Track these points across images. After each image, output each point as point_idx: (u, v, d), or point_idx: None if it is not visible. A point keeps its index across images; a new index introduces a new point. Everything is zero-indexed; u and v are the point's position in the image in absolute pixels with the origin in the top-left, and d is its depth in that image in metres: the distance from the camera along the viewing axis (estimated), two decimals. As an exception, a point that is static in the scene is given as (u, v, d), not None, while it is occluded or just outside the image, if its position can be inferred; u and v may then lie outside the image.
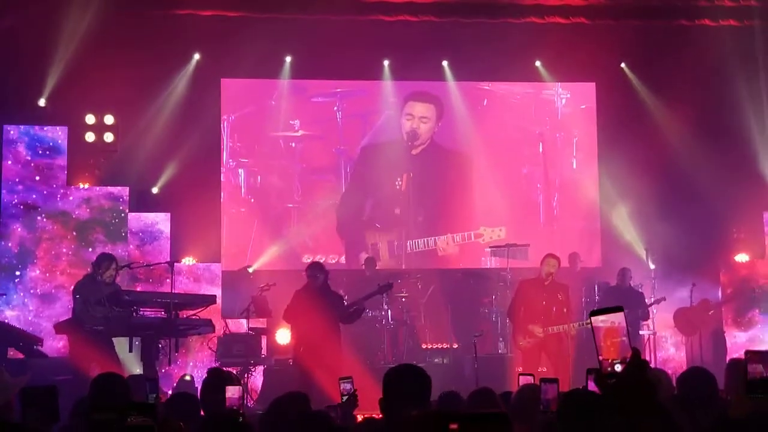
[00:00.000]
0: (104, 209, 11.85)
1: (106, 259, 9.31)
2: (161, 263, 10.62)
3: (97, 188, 12.01)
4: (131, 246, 11.89)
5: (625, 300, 11.19)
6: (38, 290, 11.52)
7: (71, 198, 11.82)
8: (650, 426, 2.56)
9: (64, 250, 11.68)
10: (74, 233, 11.71)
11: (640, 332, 11.85)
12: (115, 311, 8.68)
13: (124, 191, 12.01)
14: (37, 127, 11.72)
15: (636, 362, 2.65)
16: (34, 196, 11.67)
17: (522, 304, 9.96)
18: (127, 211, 11.95)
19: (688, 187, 12.94)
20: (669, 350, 12.85)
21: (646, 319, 11.74)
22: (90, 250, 11.57)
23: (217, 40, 12.75)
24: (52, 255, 11.62)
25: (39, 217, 11.63)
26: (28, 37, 11.33)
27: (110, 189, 12.00)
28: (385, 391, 3.84)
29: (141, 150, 12.51)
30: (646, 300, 11.73)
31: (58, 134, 11.82)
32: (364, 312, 10.10)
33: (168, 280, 11.22)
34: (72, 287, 9.61)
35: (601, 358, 2.76)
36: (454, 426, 2.17)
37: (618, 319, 2.77)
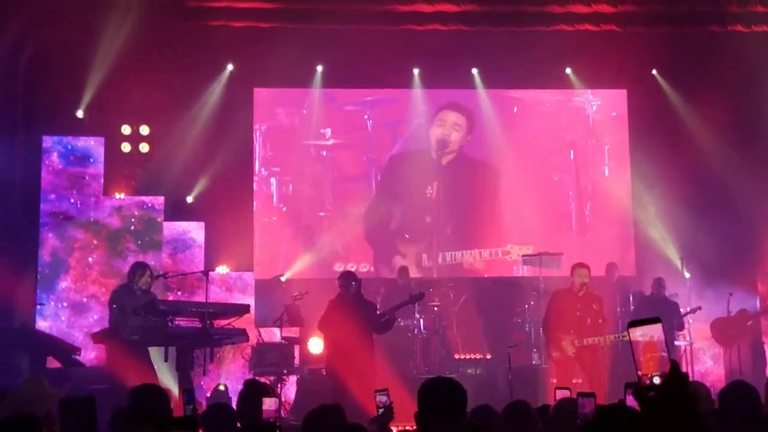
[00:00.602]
0: (136, 218, 11.91)
1: (139, 268, 9.39)
2: (195, 272, 10.68)
3: (130, 198, 12.08)
4: (164, 255, 11.94)
5: (660, 310, 11.10)
6: (70, 300, 11.56)
7: (103, 207, 11.88)
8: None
9: (96, 259, 11.73)
10: (105, 242, 11.76)
11: (676, 343, 11.75)
12: (150, 321, 8.74)
13: (156, 200, 12.08)
14: (73, 138, 11.84)
15: (675, 375, 2.64)
16: (67, 206, 11.74)
17: (556, 315, 9.86)
18: (158, 220, 11.99)
19: (724, 195, 12.83)
20: (707, 363, 12.63)
21: (681, 330, 11.63)
22: (122, 259, 11.64)
23: (250, 50, 12.85)
24: (84, 265, 11.68)
25: (71, 227, 11.69)
26: (67, 49, 11.50)
27: (143, 198, 12.08)
28: (420, 405, 3.83)
29: (176, 159, 12.62)
30: (681, 310, 11.64)
31: (94, 145, 11.90)
32: (395, 322, 10.09)
33: (200, 289, 11.38)
34: (108, 297, 9.70)
35: (640, 373, 2.75)
36: None
37: (656, 332, 2.75)
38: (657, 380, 2.66)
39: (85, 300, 11.59)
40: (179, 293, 11.59)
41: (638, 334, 2.74)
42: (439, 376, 3.91)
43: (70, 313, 11.52)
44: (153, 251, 11.80)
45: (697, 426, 2.60)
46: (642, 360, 2.74)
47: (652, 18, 12.60)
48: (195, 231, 12.30)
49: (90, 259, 11.73)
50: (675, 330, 11.38)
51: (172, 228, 12.20)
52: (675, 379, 2.61)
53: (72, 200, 11.79)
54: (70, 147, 11.82)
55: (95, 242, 11.76)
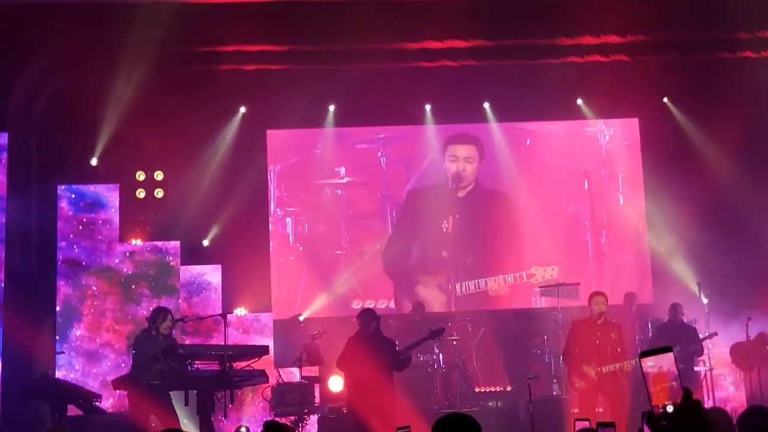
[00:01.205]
0: (149, 263, 11.87)
1: (161, 313, 9.42)
2: (214, 315, 10.69)
3: (143, 243, 12.11)
4: (179, 299, 11.87)
5: (678, 336, 11.08)
6: (84, 348, 11.48)
7: (115, 253, 11.85)
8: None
9: (109, 306, 11.66)
10: (118, 288, 11.70)
11: (696, 368, 11.67)
12: (170, 365, 8.75)
13: (170, 245, 12.05)
14: (89, 186, 11.94)
15: (687, 403, 2.63)
16: (78, 253, 11.71)
17: (576, 345, 9.84)
18: (172, 264, 11.95)
19: (739, 219, 12.78)
20: (728, 389, 12.50)
21: (700, 355, 11.56)
22: (136, 305, 11.63)
23: (262, 92, 12.99)
24: (97, 312, 11.62)
25: (83, 274, 11.67)
26: (79, 98, 11.63)
27: (156, 243, 12.07)
28: (435, 441, 3.83)
29: (191, 204, 12.73)
30: (700, 335, 11.57)
31: (105, 191, 11.96)
32: (411, 359, 10.05)
33: (216, 332, 11.43)
34: (123, 343, 9.71)
35: (652, 404, 2.75)
36: None
37: (667, 362, 2.76)
38: (670, 409, 2.66)
39: (99, 348, 11.51)
40: (196, 336, 11.56)
41: (649, 364, 2.75)
42: (452, 412, 3.90)
43: (84, 361, 11.44)
44: (167, 296, 11.78)
45: None
46: (653, 391, 2.74)
47: (660, 46, 12.60)
48: (210, 274, 12.30)
49: (104, 306, 11.66)
50: (694, 356, 11.30)
51: (187, 272, 12.19)
52: (687, 407, 2.61)
53: (83, 247, 11.78)
54: (80, 194, 11.87)
55: (108, 288, 11.73)
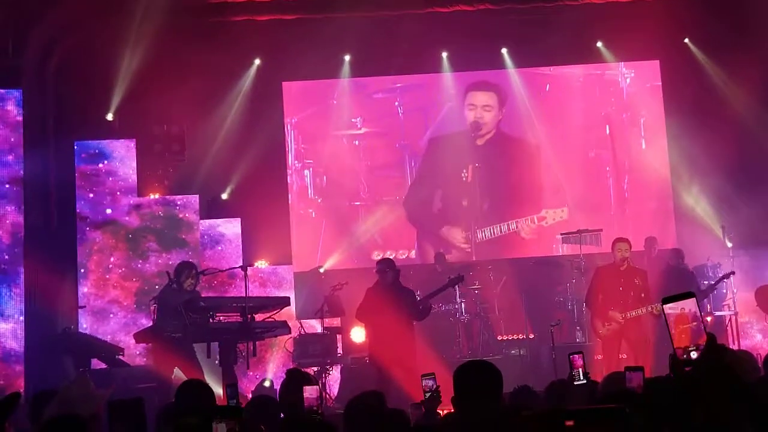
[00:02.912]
0: (157, 217, 11.75)
1: (186, 267, 9.40)
2: (234, 268, 10.68)
3: (160, 197, 12.04)
4: (191, 252, 11.67)
5: (676, 279, 10.97)
6: (91, 306, 11.36)
7: (120, 207, 11.70)
8: (736, 413, 2.46)
9: (116, 262, 11.55)
10: (125, 243, 11.60)
11: (719, 313, 11.57)
12: (192, 317, 8.77)
13: (187, 199, 12.00)
14: (106, 141, 11.89)
15: (711, 348, 2.56)
16: (81, 207, 11.64)
17: (600, 291, 9.76)
18: (180, 216, 11.80)
19: (762, 162, 12.60)
20: (755, 337, 12.28)
21: (706, 296, 11.39)
22: (143, 260, 11.56)
23: (276, 44, 12.87)
24: (103, 268, 11.51)
25: (87, 228, 11.56)
26: (93, 54, 11.57)
27: (167, 197, 12.01)
28: (456, 389, 3.81)
29: (208, 158, 12.69)
30: (708, 277, 11.50)
31: (126, 147, 11.91)
32: (431, 309, 10.00)
33: (230, 286, 11.44)
34: (153, 297, 9.72)
35: (675, 346, 2.69)
36: (569, 423, 2.09)
37: (688, 305, 2.70)
38: (694, 354, 2.60)
39: (107, 306, 11.41)
40: (210, 292, 11.35)
41: (669, 307, 2.70)
42: (474, 359, 3.87)
43: (93, 320, 11.33)
44: (177, 250, 11.65)
45: (739, 396, 2.52)
46: (675, 333, 2.69)
47: (681, -15, 12.36)
48: (224, 226, 12.22)
49: (109, 261, 11.53)
50: (701, 299, 11.15)
51: (202, 225, 12.03)
52: (712, 353, 2.54)
53: (101, 203, 11.69)
54: (97, 149, 11.77)
55: (114, 243, 11.59)
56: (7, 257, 10.18)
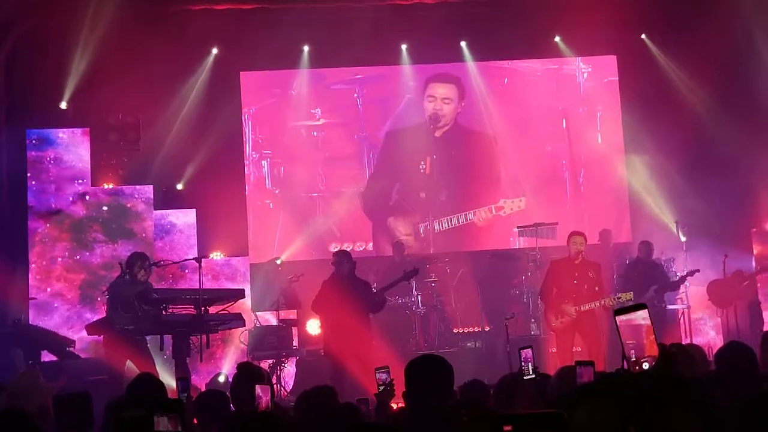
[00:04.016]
0: (101, 206, 11.60)
1: (138, 258, 9.29)
2: (189, 259, 10.59)
3: (113, 187, 11.89)
4: (139, 243, 11.41)
5: (648, 273, 11.12)
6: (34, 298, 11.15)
7: (64, 196, 11.49)
8: (687, 414, 2.49)
9: (60, 252, 11.36)
10: (69, 234, 11.40)
11: (671, 307, 11.73)
12: (144, 309, 8.68)
13: (141, 189, 11.87)
14: (58, 130, 11.69)
15: (664, 360, 2.59)
16: (50, 198, 11.48)
17: (554, 285, 9.86)
18: (128, 206, 11.67)
19: (716, 158, 12.75)
20: (708, 333, 12.47)
21: (672, 290, 11.55)
22: (88, 251, 11.39)
23: (234, 33, 12.75)
24: (47, 259, 11.31)
25: (31, 219, 11.34)
26: (48, 41, 11.38)
27: (120, 187, 11.88)
28: (407, 384, 3.81)
29: (164, 147, 12.55)
30: (678, 273, 11.61)
31: (79, 136, 11.74)
32: (386, 302, 10.01)
33: (181, 279, 11.33)
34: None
35: (629, 355, 2.70)
36: (508, 428, 2.10)
37: (641, 317, 2.72)
38: (646, 365, 2.63)
39: (49, 299, 11.21)
40: (161, 284, 11.10)
41: (623, 320, 2.73)
42: (425, 353, 3.88)
43: (35, 313, 11.10)
44: (123, 240, 11.50)
45: (693, 395, 2.54)
46: (646, 342, 2.70)
47: (638, -20, 12.45)
48: (176, 216, 12.09)
49: (54, 253, 11.32)
50: (665, 292, 11.31)
51: (155, 216, 11.90)
52: (664, 363, 2.57)
53: (52, 192, 11.49)
54: (50, 138, 11.57)
55: (58, 234, 11.38)
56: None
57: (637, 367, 2.62)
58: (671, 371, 2.54)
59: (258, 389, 4.57)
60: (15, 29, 11.32)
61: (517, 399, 4.79)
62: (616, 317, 2.71)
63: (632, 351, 2.66)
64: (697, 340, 11.42)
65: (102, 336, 9.31)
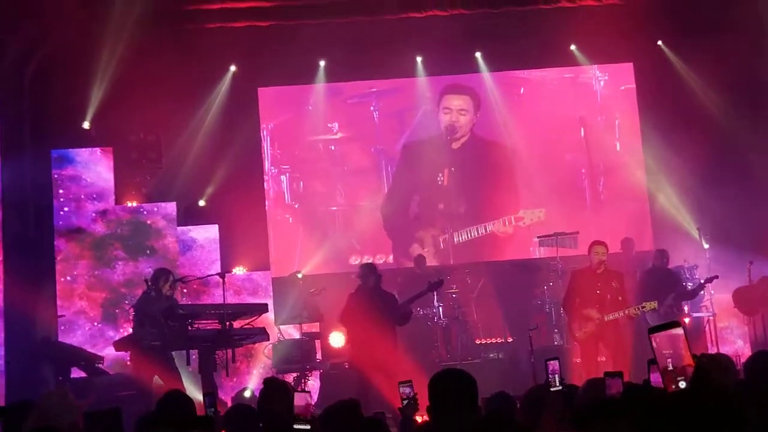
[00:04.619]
0: (122, 223, 11.64)
1: (163, 274, 9.37)
2: (212, 275, 10.66)
3: (131, 205, 11.95)
4: (161, 259, 11.53)
5: (663, 281, 11.09)
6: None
7: (86, 214, 11.59)
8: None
9: (81, 270, 11.39)
10: (91, 251, 11.46)
11: (697, 315, 11.66)
12: (170, 325, 8.75)
13: (164, 206, 11.94)
14: (82, 150, 11.81)
15: (700, 379, 2.59)
16: (76, 217, 11.60)
17: (576, 295, 9.82)
18: (148, 222, 11.73)
19: (737, 162, 12.72)
20: (736, 343, 12.32)
21: (691, 298, 11.48)
22: (110, 269, 11.43)
23: (252, 50, 12.86)
24: (71, 276, 11.36)
25: (73, 240, 11.42)
26: (70, 62, 11.49)
27: (138, 205, 11.95)
28: (430, 399, 3.82)
29: (185, 164, 12.66)
30: (698, 279, 11.58)
31: (103, 155, 11.83)
32: (412, 314, 10.03)
33: (204, 294, 11.40)
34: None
35: (664, 381, 2.70)
36: None
37: (677, 334, 2.72)
38: (682, 384, 2.62)
39: (72, 317, 11.23)
40: (184, 299, 11.26)
41: (659, 338, 2.71)
42: (448, 368, 3.89)
43: (59, 332, 11.08)
44: (144, 257, 11.54)
45: (726, 409, 2.54)
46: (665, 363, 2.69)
47: (654, -12, 12.46)
48: (198, 232, 12.17)
49: (75, 270, 11.36)
50: (683, 300, 11.26)
51: (175, 232, 11.97)
52: (700, 383, 2.57)
53: (77, 212, 11.58)
54: (74, 158, 11.69)
55: (79, 252, 11.43)
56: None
57: (673, 386, 2.62)
58: (709, 391, 2.55)
59: (297, 398, 4.60)
60: (38, 52, 11.45)
61: (544, 411, 4.80)
62: (650, 335, 2.71)
63: (669, 360, 2.66)
64: (724, 350, 11.28)
65: (129, 352, 9.40)
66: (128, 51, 11.34)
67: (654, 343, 2.70)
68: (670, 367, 2.64)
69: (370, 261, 11.20)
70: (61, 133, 12.01)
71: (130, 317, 9.51)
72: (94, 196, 11.69)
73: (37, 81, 11.52)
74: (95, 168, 11.70)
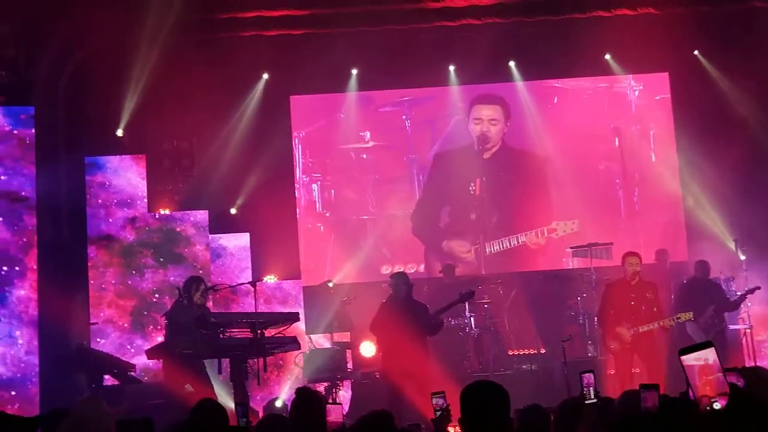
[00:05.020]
0: (151, 231, 11.60)
1: (195, 282, 9.34)
2: (244, 283, 10.67)
3: (163, 213, 11.96)
4: (190, 268, 11.46)
5: (705, 293, 10.94)
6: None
7: (116, 221, 11.59)
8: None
9: (109, 277, 11.38)
10: (120, 259, 11.43)
11: (734, 327, 11.48)
12: (202, 334, 8.74)
13: (196, 214, 11.96)
14: (115, 157, 11.87)
15: (737, 400, 2.53)
16: (109, 225, 11.64)
17: (611, 306, 9.72)
18: (177, 230, 11.68)
19: (774, 173, 12.54)
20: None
21: (732, 310, 11.32)
22: (139, 276, 11.39)
23: (284, 58, 12.90)
24: (104, 283, 11.35)
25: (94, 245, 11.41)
26: (103, 70, 11.56)
27: (174, 213, 11.96)
28: (462, 411, 3.78)
29: (217, 172, 12.70)
30: (739, 293, 11.40)
31: (133, 162, 11.88)
32: (443, 324, 9.95)
33: (233, 302, 11.39)
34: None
35: (698, 395, 2.66)
36: None
37: (710, 355, 2.67)
38: (717, 405, 2.58)
39: (101, 325, 11.21)
40: (214, 307, 11.03)
41: (692, 359, 2.67)
42: (480, 379, 3.84)
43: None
44: (173, 265, 11.51)
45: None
46: (699, 384, 2.66)
47: (690, -3, 12.34)
48: (228, 240, 12.15)
49: (105, 278, 11.35)
50: (724, 311, 11.11)
51: (205, 240, 11.91)
52: (737, 403, 2.52)
53: (110, 220, 11.57)
54: (107, 165, 11.70)
55: (109, 259, 11.43)
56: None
57: (708, 408, 2.56)
58: (749, 409, 2.48)
59: (330, 408, 4.58)
60: (73, 59, 11.55)
61: (579, 425, 4.73)
62: (682, 357, 2.65)
63: (702, 381, 2.61)
64: (762, 363, 11.06)
65: (161, 360, 9.41)
66: (162, 59, 11.39)
67: (685, 364, 2.65)
68: (704, 389, 2.60)
69: (401, 270, 11.14)
70: (94, 141, 12.10)
71: (162, 326, 9.51)
72: (128, 203, 11.71)
73: (72, 88, 11.61)
74: (125, 175, 11.72)
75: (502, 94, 13.97)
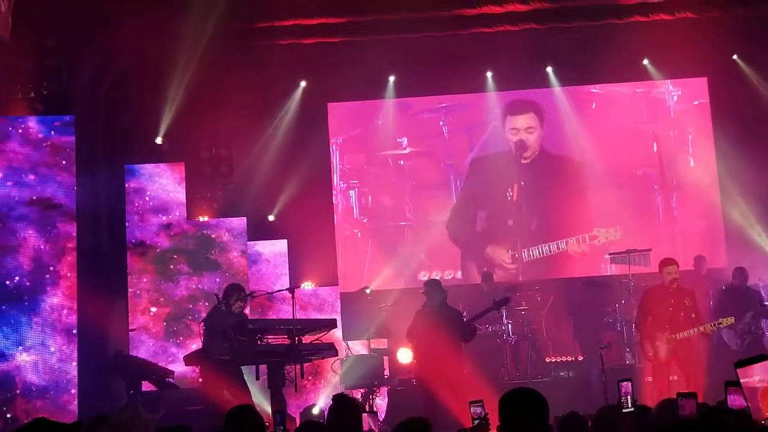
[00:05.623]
0: (186, 238, 11.65)
1: (235, 290, 9.39)
2: (282, 290, 10.72)
3: (202, 220, 12.07)
4: (227, 274, 11.54)
5: (743, 299, 10.82)
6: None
7: (150, 227, 11.68)
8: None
9: (145, 285, 11.47)
10: (154, 265, 11.52)
11: None
12: (240, 340, 8.81)
13: (234, 221, 12.04)
14: (155, 165, 12.01)
15: None
16: (147, 232, 11.74)
17: (648, 313, 9.67)
18: (212, 236, 11.75)
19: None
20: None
21: None
22: (173, 283, 11.46)
23: (322, 65, 12.97)
24: (140, 290, 11.45)
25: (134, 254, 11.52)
26: (143, 78, 11.72)
27: (209, 220, 12.05)
28: (501, 418, 3.78)
29: (256, 179, 12.80)
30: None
31: (169, 169, 11.94)
32: (476, 330, 9.93)
33: (269, 309, 11.45)
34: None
35: (761, 419, 2.60)
36: None
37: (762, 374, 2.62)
38: None
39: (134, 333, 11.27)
40: (251, 313, 11.15)
41: (756, 379, 2.62)
42: (519, 387, 3.83)
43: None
44: (208, 272, 11.58)
45: None
46: (762, 406, 2.60)
47: (728, 1, 12.19)
48: (265, 246, 12.21)
49: (141, 284, 11.44)
50: (762, 318, 10.99)
51: (240, 247, 11.98)
52: None
53: (148, 228, 11.68)
54: (154, 174, 11.85)
55: (143, 266, 11.52)
56: (28, 284, 9.91)
57: (763, 422, 2.52)
58: None
59: (366, 417, 4.61)
60: (113, 67, 11.71)
61: (616, 432, 4.72)
62: (738, 370, 2.60)
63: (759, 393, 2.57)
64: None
65: (199, 366, 9.50)
66: (201, 67, 11.51)
67: (742, 379, 2.59)
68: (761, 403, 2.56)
69: (435, 278, 11.14)
70: (134, 149, 12.24)
71: (199, 332, 9.61)
72: (167, 210, 11.82)
73: (112, 96, 11.76)
74: (160, 181, 11.85)
75: (533, 99, 13.92)
